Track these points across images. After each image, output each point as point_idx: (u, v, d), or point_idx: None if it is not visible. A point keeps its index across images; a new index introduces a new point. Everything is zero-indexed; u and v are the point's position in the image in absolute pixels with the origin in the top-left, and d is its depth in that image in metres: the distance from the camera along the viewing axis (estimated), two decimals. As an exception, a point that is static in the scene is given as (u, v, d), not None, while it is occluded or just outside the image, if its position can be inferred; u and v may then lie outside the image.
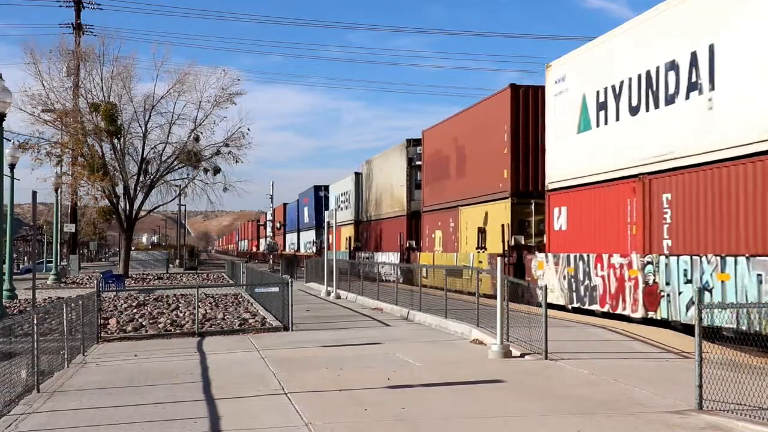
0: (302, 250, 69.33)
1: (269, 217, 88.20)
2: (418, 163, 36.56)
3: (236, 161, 48.85)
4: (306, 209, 69.26)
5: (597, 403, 9.89)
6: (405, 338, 17.09)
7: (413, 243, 37.01)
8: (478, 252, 27.85)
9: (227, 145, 48.63)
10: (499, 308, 14.00)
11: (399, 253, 38.26)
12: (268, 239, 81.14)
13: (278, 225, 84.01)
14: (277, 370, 12.84)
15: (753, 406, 8.75)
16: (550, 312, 14.51)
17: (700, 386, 9.26)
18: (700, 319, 9.40)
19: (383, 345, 15.88)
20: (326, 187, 61.38)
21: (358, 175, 48.95)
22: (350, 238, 49.79)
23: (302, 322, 20.18)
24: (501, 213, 26.25)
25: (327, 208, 55.62)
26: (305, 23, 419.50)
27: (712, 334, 11.09)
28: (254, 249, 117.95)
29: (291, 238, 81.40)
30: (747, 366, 10.63)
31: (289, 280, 20.34)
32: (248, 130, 48.90)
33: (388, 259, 39.60)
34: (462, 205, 30.00)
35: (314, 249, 60.69)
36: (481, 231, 27.81)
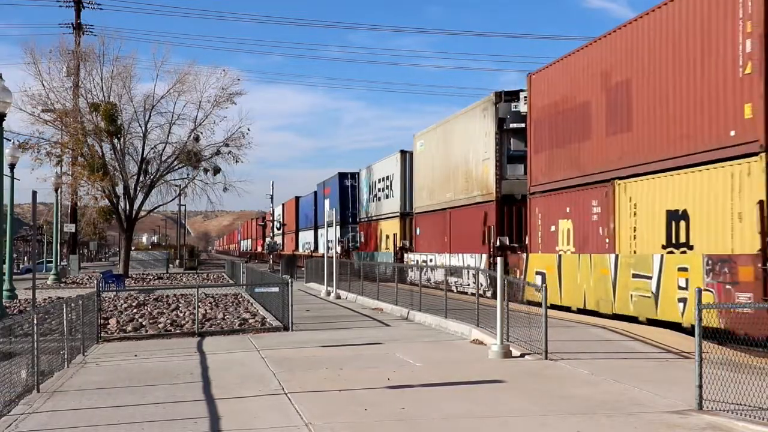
0: (322, 250, 60.17)
1: (280, 213, 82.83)
2: (516, 125, 26.15)
3: (236, 161, 48.94)
4: (327, 202, 58.21)
5: (597, 403, 9.89)
6: (405, 338, 17.09)
7: (506, 240, 26.76)
8: (674, 252, 16.73)
9: (227, 145, 48.67)
10: (499, 308, 14.00)
11: (484, 255, 27.47)
12: (269, 239, 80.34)
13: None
14: (277, 370, 12.84)
15: (753, 406, 8.75)
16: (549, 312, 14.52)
17: (700, 386, 9.26)
18: (700, 319, 9.40)
19: (383, 345, 15.88)
20: (355, 174, 51.84)
21: (405, 154, 39.22)
22: (395, 235, 40.13)
23: (302, 322, 20.18)
24: (736, 181, 14.88)
25: (357, 199, 50.46)
26: (306, 23, 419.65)
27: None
28: (259, 248, 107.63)
29: (306, 236, 70.69)
30: (747, 366, 10.64)
31: (289, 280, 20.34)
32: (248, 130, 49.00)
33: (463, 262, 29.59)
34: (625, 177, 18.86)
35: (339, 249, 51.29)
36: (676, 216, 16.72)
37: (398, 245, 39.27)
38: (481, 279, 23.37)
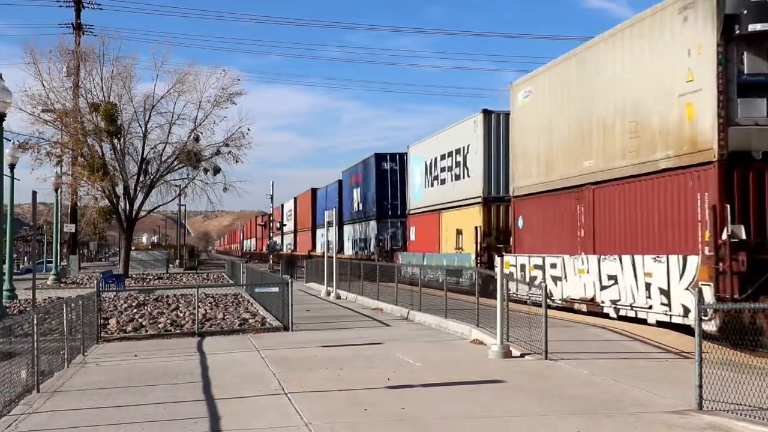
0: (349, 251, 49.52)
1: (291, 209, 75.04)
2: (760, 27, 14.95)
3: (236, 161, 48.89)
4: (356, 193, 48.22)
5: (597, 403, 9.89)
6: (405, 338, 17.09)
7: (741, 231, 14.75)
8: None
9: (227, 145, 48.64)
10: (499, 308, 14.00)
11: (694, 258, 15.37)
12: (270, 240, 79.77)
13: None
14: (277, 370, 12.84)
15: (753, 406, 8.75)
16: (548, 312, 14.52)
17: (700, 386, 9.26)
18: (700, 319, 9.40)
19: (383, 345, 15.88)
20: (396, 156, 42.56)
21: (490, 115, 28.33)
22: (477, 229, 27.78)
23: (302, 322, 20.18)
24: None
25: (401, 186, 40.81)
26: (305, 23, 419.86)
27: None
28: (264, 249, 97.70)
29: (325, 234, 62.85)
30: (747, 366, 10.64)
31: (289, 280, 20.34)
32: (248, 130, 48.94)
33: (632, 271, 17.66)
34: None
35: (373, 249, 42.90)
36: None
37: (480, 242, 27.53)
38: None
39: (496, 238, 27.43)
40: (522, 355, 13.72)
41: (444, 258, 31.36)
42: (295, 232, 74.83)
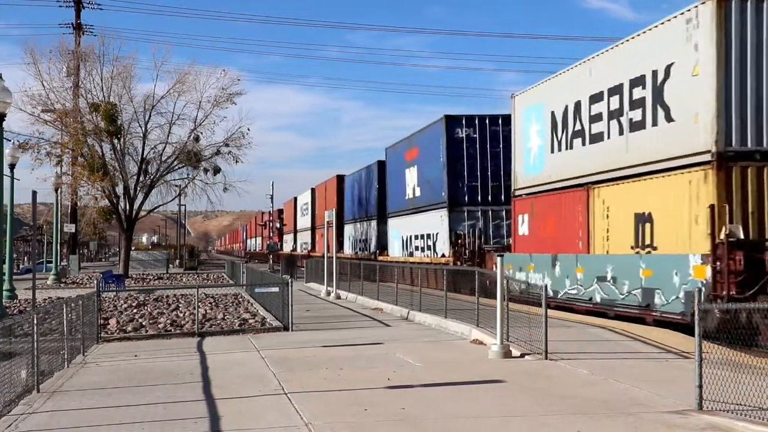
0: (396, 252, 39.84)
1: (307, 202, 65.39)
2: None
3: (236, 161, 48.89)
4: (412, 173, 37.10)
5: (597, 403, 9.89)
6: (405, 338, 17.09)
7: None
8: None
9: (227, 145, 48.64)
10: (499, 308, 14.00)
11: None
12: (269, 240, 79.48)
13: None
14: (277, 370, 12.84)
15: (753, 406, 8.75)
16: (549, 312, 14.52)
17: (700, 386, 9.26)
18: (701, 319, 9.40)
19: (383, 345, 15.88)
20: (480, 120, 32.25)
21: (728, 3, 15.56)
22: (713, 210, 15.18)
23: (302, 322, 20.18)
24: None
25: (493, 158, 31.42)
26: (305, 23, 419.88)
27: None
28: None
29: (357, 231, 49.65)
30: (747, 366, 10.64)
31: (289, 280, 20.35)
32: (248, 130, 48.94)
33: None
34: None
35: (444, 250, 32.32)
36: None
37: (718, 233, 15.15)
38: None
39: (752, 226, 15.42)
40: (522, 355, 13.73)
41: (608, 262, 19.20)
42: (313, 229, 63.15)
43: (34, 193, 28.16)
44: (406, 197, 38.34)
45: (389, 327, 19.65)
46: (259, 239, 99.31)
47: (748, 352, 12.43)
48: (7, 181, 26.00)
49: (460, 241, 30.92)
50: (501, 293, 14.15)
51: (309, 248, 63.68)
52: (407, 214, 38.25)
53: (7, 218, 26.15)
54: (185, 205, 72.67)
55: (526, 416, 9.31)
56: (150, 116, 47.30)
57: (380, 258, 41.02)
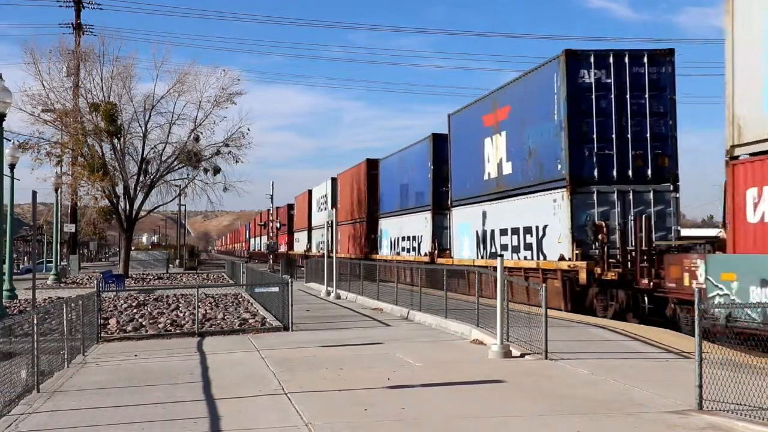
0: (469, 253, 29.93)
1: (324, 194, 57.07)
2: None
3: (236, 161, 48.83)
4: (497, 143, 27.29)
5: (597, 403, 9.89)
6: (405, 338, 17.09)
7: None
8: None
9: (227, 145, 48.61)
10: (499, 308, 14.00)
11: None
12: (270, 239, 79.09)
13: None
14: (277, 370, 12.84)
15: (753, 406, 8.75)
16: (550, 312, 14.52)
17: (700, 386, 9.26)
18: (701, 319, 9.39)
19: (383, 345, 15.88)
20: (617, 58, 22.29)
21: None
22: None
23: (302, 322, 20.18)
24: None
25: (629, 111, 21.73)
26: (306, 23, 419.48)
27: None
28: (284, 248, 79.35)
29: (399, 227, 40.07)
30: (747, 366, 10.63)
31: (289, 280, 20.35)
32: (248, 130, 48.84)
33: None
34: None
35: (564, 251, 21.98)
36: None
37: None
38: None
39: None
40: (522, 355, 13.73)
41: None
42: (334, 225, 49.47)
43: (34, 193, 28.15)
44: (485, 177, 28.03)
45: (389, 327, 19.65)
46: (264, 238, 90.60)
47: (748, 352, 12.42)
48: (7, 181, 26.00)
49: (600, 236, 20.76)
50: (501, 293, 14.15)
51: (328, 247, 54.66)
52: (486, 201, 27.99)
53: (7, 218, 26.15)
54: (185, 205, 72.68)
55: (526, 416, 9.31)
56: (150, 116, 47.30)
57: (440, 261, 31.27)
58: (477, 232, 29.06)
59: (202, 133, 48.13)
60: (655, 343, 14.80)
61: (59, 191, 47.24)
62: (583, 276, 20.63)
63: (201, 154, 48.51)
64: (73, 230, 55.96)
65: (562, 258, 21.73)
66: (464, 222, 30.74)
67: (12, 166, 29.30)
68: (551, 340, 13.50)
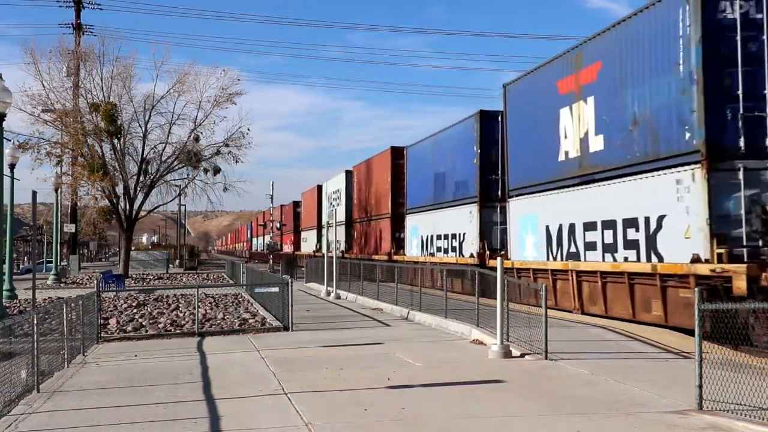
0: (538, 254, 23.38)
1: (339, 188, 50.74)
2: None
3: (236, 161, 48.88)
4: (578, 114, 21.18)
5: (597, 403, 9.89)
6: (405, 338, 17.09)
7: None
8: None
9: (227, 145, 48.64)
10: (499, 308, 14.00)
11: None
12: (271, 239, 78.92)
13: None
14: (277, 370, 12.84)
15: (753, 406, 8.75)
16: (550, 312, 14.53)
17: (700, 386, 9.26)
18: (701, 319, 9.40)
19: (383, 345, 15.88)
20: None
21: None
22: None
23: (302, 322, 20.18)
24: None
25: None
26: (305, 23, 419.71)
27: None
28: (286, 247, 76.23)
29: (432, 224, 33.72)
30: (747, 366, 10.64)
31: (289, 280, 20.35)
32: (248, 130, 48.91)
33: None
34: None
35: (700, 250, 15.54)
36: None
37: None
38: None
39: None
40: (522, 355, 13.73)
41: None
42: (349, 222, 48.49)
43: (34, 193, 28.15)
44: (559, 158, 22.27)
45: (389, 327, 19.65)
46: (267, 238, 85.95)
47: (748, 352, 12.42)
48: (7, 181, 26.00)
49: None
50: (501, 293, 14.15)
51: (345, 247, 47.28)
52: (561, 188, 22.34)
53: (7, 218, 26.16)
54: (185, 205, 72.74)
55: (526, 416, 9.31)
56: (150, 116, 47.34)
57: (492, 264, 21.17)
58: (548, 227, 22.94)
59: (202, 133, 48.20)
60: (655, 343, 14.80)
61: (59, 191, 47.25)
62: (740, 285, 14.47)
63: (201, 154, 48.53)
64: (73, 230, 55.96)
65: (697, 259, 15.73)
66: (530, 214, 24.21)
67: (12, 166, 29.29)
68: (551, 340, 13.50)
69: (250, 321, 20.85)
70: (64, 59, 46.87)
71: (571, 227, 21.51)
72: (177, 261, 75.29)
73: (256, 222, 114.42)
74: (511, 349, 13.92)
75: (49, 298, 29.88)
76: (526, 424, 8.98)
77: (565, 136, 22.02)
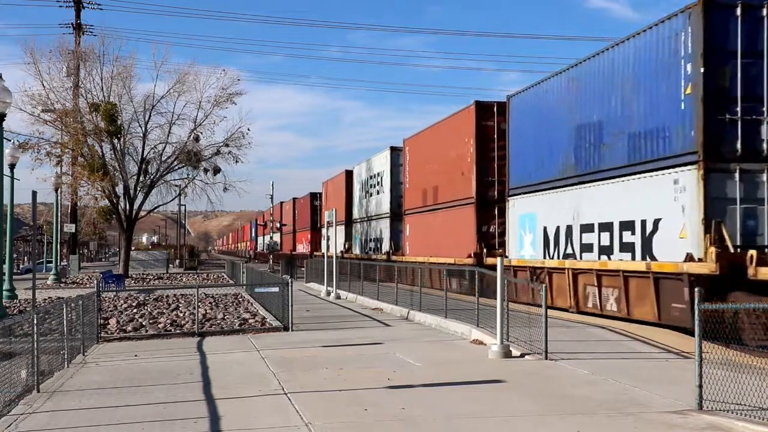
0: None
1: (365, 178, 44.24)
2: None
3: (236, 161, 48.90)
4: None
5: (597, 403, 9.89)
6: (405, 338, 17.09)
7: None
8: None
9: (227, 145, 48.64)
10: (499, 308, 14.00)
11: None
12: (269, 238, 78.82)
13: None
14: (277, 370, 12.84)
15: (753, 406, 8.75)
16: (550, 312, 14.53)
17: (700, 386, 9.26)
18: (701, 319, 9.39)
19: (383, 345, 15.88)
20: None
21: None
22: None
23: (302, 322, 20.18)
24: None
25: None
26: (306, 23, 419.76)
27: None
28: (300, 248, 68.61)
29: (561, 209, 21.33)
30: (747, 366, 10.63)
31: (289, 280, 20.35)
32: (248, 130, 48.90)
33: None
34: None
35: None
36: None
37: None
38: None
39: None
40: (522, 355, 13.73)
41: None
42: (394, 215, 38.75)
43: (34, 193, 28.16)
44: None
45: (389, 327, 19.64)
46: (275, 236, 78.71)
47: (748, 352, 12.42)
48: (7, 181, 26.01)
49: None
50: (501, 293, 14.15)
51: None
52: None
53: (7, 218, 26.16)
54: (185, 205, 72.75)
55: (526, 416, 9.31)
56: (150, 116, 47.34)
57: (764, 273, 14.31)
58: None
59: (202, 133, 48.20)
60: (655, 343, 14.80)
61: (59, 191, 47.26)
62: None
63: (201, 154, 48.54)
64: (73, 230, 55.97)
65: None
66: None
67: (12, 166, 29.30)
68: (551, 340, 13.50)
69: (250, 321, 20.86)
70: (64, 59, 46.92)
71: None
72: (177, 261, 75.30)
73: (260, 221, 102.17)
74: (511, 349, 13.92)
75: (49, 298, 29.88)
76: (527, 424, 8.98)
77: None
